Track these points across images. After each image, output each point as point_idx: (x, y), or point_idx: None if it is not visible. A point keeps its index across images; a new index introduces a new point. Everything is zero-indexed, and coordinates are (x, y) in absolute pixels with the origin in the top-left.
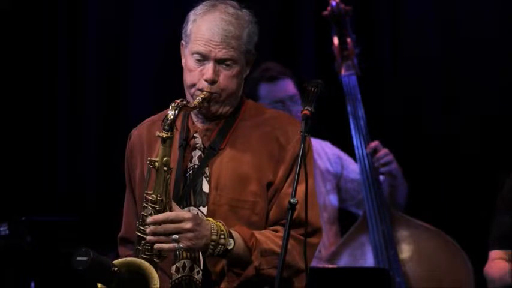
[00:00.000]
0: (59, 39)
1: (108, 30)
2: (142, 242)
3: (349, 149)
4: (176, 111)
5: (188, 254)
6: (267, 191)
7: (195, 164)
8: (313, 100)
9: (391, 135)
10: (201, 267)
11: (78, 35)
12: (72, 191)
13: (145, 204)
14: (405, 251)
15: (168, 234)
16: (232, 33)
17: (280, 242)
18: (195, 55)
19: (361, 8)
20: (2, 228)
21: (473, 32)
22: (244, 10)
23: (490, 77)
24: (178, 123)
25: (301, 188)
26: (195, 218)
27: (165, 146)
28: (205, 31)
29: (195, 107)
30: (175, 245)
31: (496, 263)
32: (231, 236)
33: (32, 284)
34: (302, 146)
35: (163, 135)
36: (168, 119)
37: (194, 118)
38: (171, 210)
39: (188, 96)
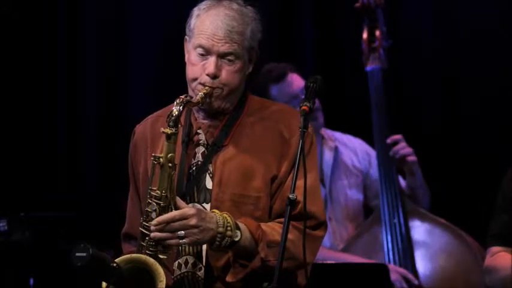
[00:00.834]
0: (59, 39)
1: (108, 30)
2: (147, 238)
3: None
4: (181, 107)
5: (191, 250)
6: (271, 185)
7: (198, 161)
8: (312, 96)
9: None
10: (204, 263)
11: (77, 34)
12: (72, 189)
13: (149, 200)
14: (417, 246)
15: (173, 231)
16: (235, 28)
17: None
18: (198, 49)
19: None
20: (1, 225)
21: (473, 32)
22: (249, 7)
23: (489, 77)
24: (181, 119)
25: (302, 183)
26: (199, 213)
27: (170, 142)
28: (208, 25)
29: (198, 103)
30: (181, 241)
31: (500, 255)
32: (238, 228)
33: (31, 280)
34: (301, 141)
35: (168, 131)
36: (172, 115)
37: (196, 114)
38: (175, 205)
39: (190, 91)
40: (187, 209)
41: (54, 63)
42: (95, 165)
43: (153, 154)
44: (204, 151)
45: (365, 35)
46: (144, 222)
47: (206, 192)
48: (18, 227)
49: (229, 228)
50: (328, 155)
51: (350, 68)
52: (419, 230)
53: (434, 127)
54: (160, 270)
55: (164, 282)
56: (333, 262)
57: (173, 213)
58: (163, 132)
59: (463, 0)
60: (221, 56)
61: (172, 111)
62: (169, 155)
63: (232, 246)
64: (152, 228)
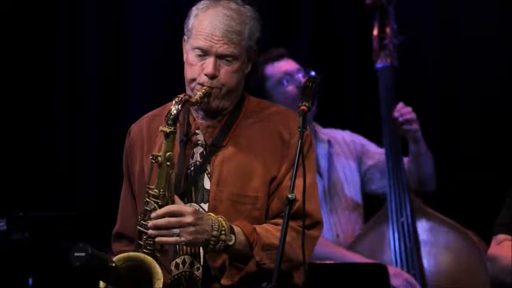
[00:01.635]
0: (58, 38)
1: (108, 30)
2: (144, 236)
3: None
4: (179, 106)
5: (188, 250)
6: (270, 185)
7: (196, 161)
8: (311, 95)
9: None
10: (201, 263)
11: (77, 34)
12: (72, 189)
13: (147, 199)
14: (424, 245)
15: (169, 227)
16: (233, 28)
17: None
18: (196, 50)
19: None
20: (0, 224)
21: (472, 32)
22: (247, 6)
23: (489, 77)
24: (180, 118)
25: (301, 182)
26: (197, 213)
27: (168, 141)
28: (206, 25)
29: (196, 102)
30: (176, 238)
31: (504, 244)
32: (232, 232)
33: (30, 280)
34: (300, 141)
35: (167, 129)
36: (171, 114)
37: (195, 114)
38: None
39: (188, 91)
40: (185, 206)
41: (53, 62)
42: (95, 165)
43: (152, 153)
44: (202, 151)
45: (375, 32)
46: (142, 221)
47: (204, 192)
48: (17, 227)
49: (223, 232)
50: (322, 148)
51: (348, 67)
52: (425, 228)
53: (435, 127)
54: (158, 269)
55: (162, 281)
56: (331, 262)
57: (170, 206)
58: (161, 130)
59: (463, 0)
60: (219, 56)
61: (170, 109)
62: (168, 153)
63: (227, 250)
64: (150, 224)
